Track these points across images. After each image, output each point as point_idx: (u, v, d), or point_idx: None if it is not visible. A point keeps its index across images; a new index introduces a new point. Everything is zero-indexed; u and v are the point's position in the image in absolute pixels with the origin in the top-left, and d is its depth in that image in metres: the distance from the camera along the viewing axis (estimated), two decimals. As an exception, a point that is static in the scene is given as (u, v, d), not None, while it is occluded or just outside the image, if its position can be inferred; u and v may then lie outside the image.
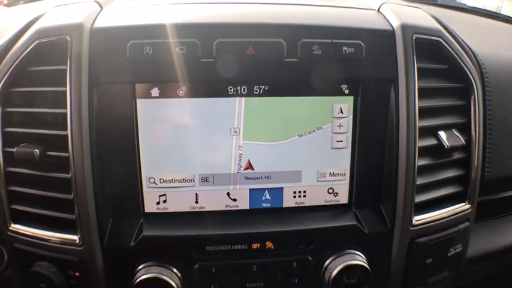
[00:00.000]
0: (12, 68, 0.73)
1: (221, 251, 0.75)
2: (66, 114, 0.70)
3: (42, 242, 0.75)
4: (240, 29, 0.71)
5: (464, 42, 0.85)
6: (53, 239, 0.74)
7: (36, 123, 0.74)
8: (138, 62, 0.69)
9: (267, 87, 0.72)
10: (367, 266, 0.75)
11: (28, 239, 0.75)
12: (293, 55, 0.71)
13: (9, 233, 0.76)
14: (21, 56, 0.72)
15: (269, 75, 0.72)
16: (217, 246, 0.75)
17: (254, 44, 0.70)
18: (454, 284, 1.11)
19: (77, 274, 0.75)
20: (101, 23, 0.71)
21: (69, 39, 0.69)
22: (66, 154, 0.71)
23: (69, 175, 0.71)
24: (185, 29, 0.69)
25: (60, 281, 0.75)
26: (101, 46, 0.70)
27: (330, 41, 0.71)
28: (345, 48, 0.72)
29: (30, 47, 0.71)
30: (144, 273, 0.73)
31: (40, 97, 0.75)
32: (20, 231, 0.76)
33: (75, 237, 0.73)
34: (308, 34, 0.71)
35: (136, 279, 0.73)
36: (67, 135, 0.70)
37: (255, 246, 0.75)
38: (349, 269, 0.75)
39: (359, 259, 0.76)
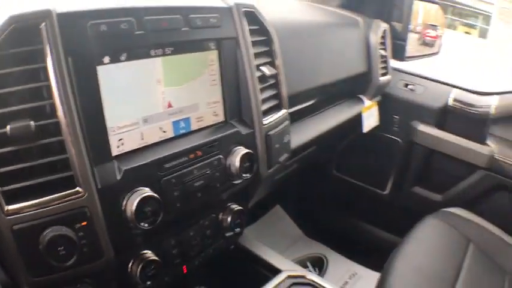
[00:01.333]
0: None
1: (174, 165, 1.04)
2: (49, 86, 0.82)
3: (48, 208, 0.82)
4: (157, 10, 1.01)
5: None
6: (60, 199, 0.84)
7: (9, 102, 0.81)
8: (96, 38, 0.89)
9: (172, 49, 1.06)
10: (250, 151, 1.19)
11: (31, 212, 0.81)
12: (186, 25, 1.06)
13: (7, 217, 0.80)
14: None
15: (174, 40, 1.06)
16: (171, 162, 1.04)
17: (166, 19, 1.02)
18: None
19: (84, 224, 0.87)
20: (61, 8, 0.85)
21: (44, 23, 0.82)
22: (56, 120, 0.84)
23: (63, 137, 0.84)
24: (125, 11, 0.94)
25: (74, 236, 0.85)
26: (67, 26, 0.85)
27: (203, 15, 1.10)
28: (211, 20, 1.12)
29: (5, 33, 0.79)
30: (133, 200, 0.93)
31: (9, 78, 0.81)
32: (20, 208, 0.81)
33: (78, 189, 0.86)
34: (193, 12, 1.07)
35: (132, 203, 0.92)
36: (53, 103, 0.83)
37: (191, 156, 1.09)
38: (244, 157, 1.17)
39: (246, 151, 1.19)
